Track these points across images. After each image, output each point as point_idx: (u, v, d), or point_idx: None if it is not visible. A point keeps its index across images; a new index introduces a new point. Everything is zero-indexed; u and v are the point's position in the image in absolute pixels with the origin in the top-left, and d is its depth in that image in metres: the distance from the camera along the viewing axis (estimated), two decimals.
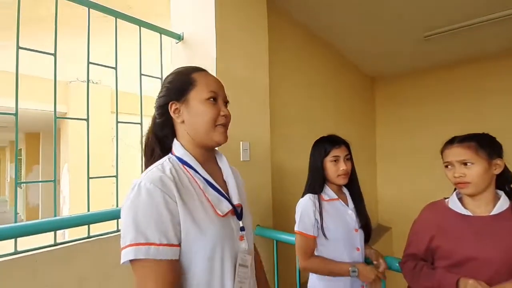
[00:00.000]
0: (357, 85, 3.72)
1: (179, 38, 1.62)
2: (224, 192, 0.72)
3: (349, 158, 1.19)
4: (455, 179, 0.92)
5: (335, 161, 1.15)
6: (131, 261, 0.57)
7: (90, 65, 1.24)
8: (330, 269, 1.09)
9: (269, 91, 1.82)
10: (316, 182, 1.18)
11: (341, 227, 1.12)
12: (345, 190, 1.23)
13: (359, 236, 1.15)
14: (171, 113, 0.73)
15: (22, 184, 7.71)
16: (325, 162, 1.16)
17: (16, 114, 1.04)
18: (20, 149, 8.01)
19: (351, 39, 2.76)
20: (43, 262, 0.96)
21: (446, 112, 3.65)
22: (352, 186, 1.22)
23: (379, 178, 4.23)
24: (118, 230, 1.21)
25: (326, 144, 1.18)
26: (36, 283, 0.94)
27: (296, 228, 1.16)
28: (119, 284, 1.13)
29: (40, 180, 6.58)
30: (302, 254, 1.14)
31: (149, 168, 0.68)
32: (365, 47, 2.97)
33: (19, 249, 0.97)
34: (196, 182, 0.69)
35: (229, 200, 0.73)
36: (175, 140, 0.74)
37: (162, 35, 1.55)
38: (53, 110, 1.14)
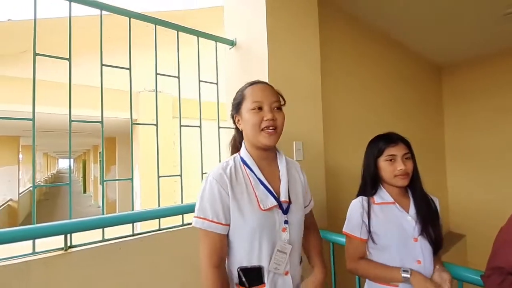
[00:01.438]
0: (421, 76, 3.36)
1: (232, 44, 1.69)
2: (272, 189, 0.87)
3: (410, 157, 1.06)
4: None
5: (390, 160, 1.05)
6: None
7: (155, 75, 1.39)
8: (377, 272, 1.00)
9: (322, 89, 1.77)
10: (368, 184, 1.10)
11: (394, 233, 1.01)
12: (410, 194, 1.10)
13: (420, 246, 0.99)
14: (236, 123, 0.95)
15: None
16: (379, 162, 1.07)
17: (101, 122, 1.22)
18: (101, 152, 9.38)
19: (412, 25, 2.51)
20: (125, 250, 1.11)
21: None
22: (414, 188, 1.08)
23: (450, 180, 3.75)
24: (184, 224, 1.33)
25: (381, 142, 1.08)
26: (120, 269, 1.10)
27: (343, 229, 1.13)
28: (185, 271, 1.24)
29: (117, 178, 7.59)
30: (349, 256, 1.10)
31: (218, 164, 0.90)
32: (430, 32, 2.66)
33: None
34: (249, 179, 0.87)
35: (276, 197, 0.86)
36: (243, 142, 0.95)
37: (217, 42, 1.64)
38: (126, 117, 1.31)
